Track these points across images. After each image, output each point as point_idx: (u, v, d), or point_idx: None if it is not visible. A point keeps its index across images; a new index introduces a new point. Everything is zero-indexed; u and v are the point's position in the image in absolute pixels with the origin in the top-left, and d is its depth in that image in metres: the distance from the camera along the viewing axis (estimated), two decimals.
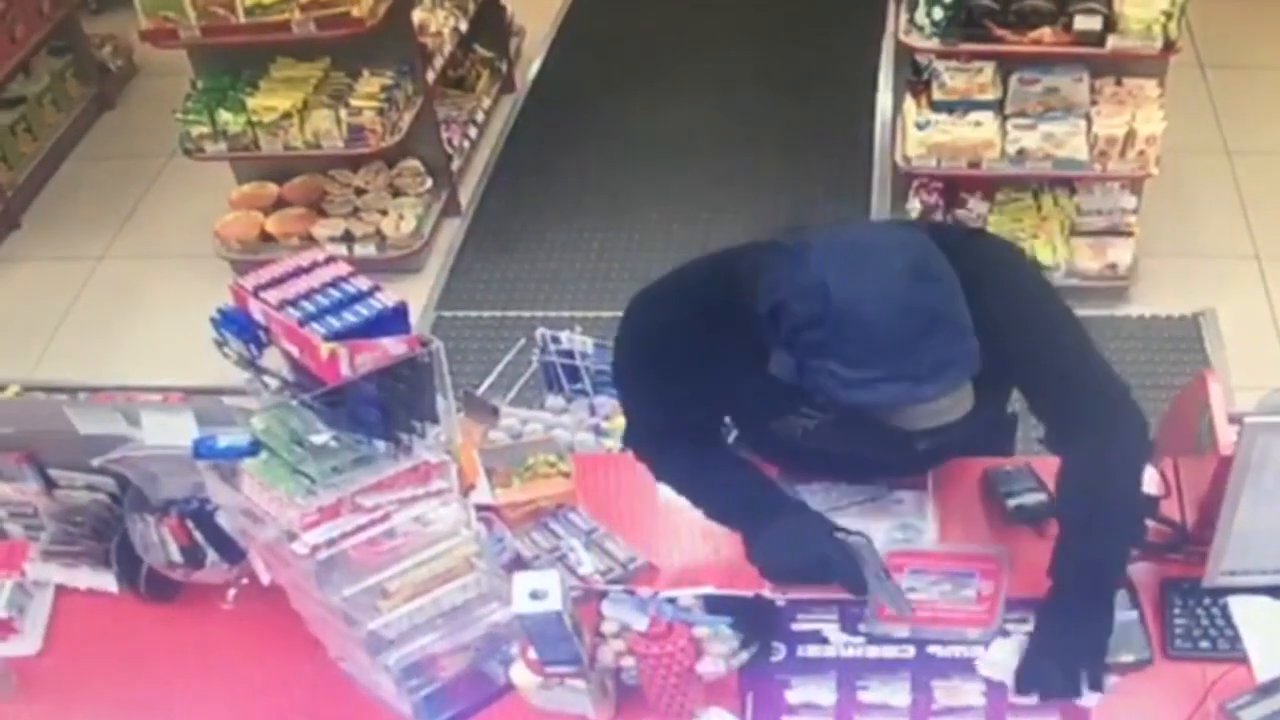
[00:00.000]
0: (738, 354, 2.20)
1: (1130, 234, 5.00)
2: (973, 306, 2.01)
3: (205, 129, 5.42)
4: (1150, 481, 2.49)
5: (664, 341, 2.35)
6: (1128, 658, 2.30)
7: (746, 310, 2.12)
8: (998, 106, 4.83)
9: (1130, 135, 4.68)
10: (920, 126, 4.83)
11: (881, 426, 2.15)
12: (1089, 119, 4.77)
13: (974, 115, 4.81)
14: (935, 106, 4.85)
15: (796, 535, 2.35)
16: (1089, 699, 2.23)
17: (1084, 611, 2.27)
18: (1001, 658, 2.30)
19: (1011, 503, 2.58)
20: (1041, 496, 2.57)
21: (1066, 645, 2.25)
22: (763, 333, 2.08)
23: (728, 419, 2.67)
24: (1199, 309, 4.99)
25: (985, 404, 2.12)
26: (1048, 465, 2.57)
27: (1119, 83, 4.82)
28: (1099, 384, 2.34)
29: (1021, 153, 4.77)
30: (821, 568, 2.31)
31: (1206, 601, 2.37)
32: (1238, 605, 2.35)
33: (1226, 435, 2.35)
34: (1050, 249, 4.97)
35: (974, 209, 5.13)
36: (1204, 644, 2.32)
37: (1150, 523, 2.48)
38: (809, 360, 2.02)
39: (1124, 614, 2.34)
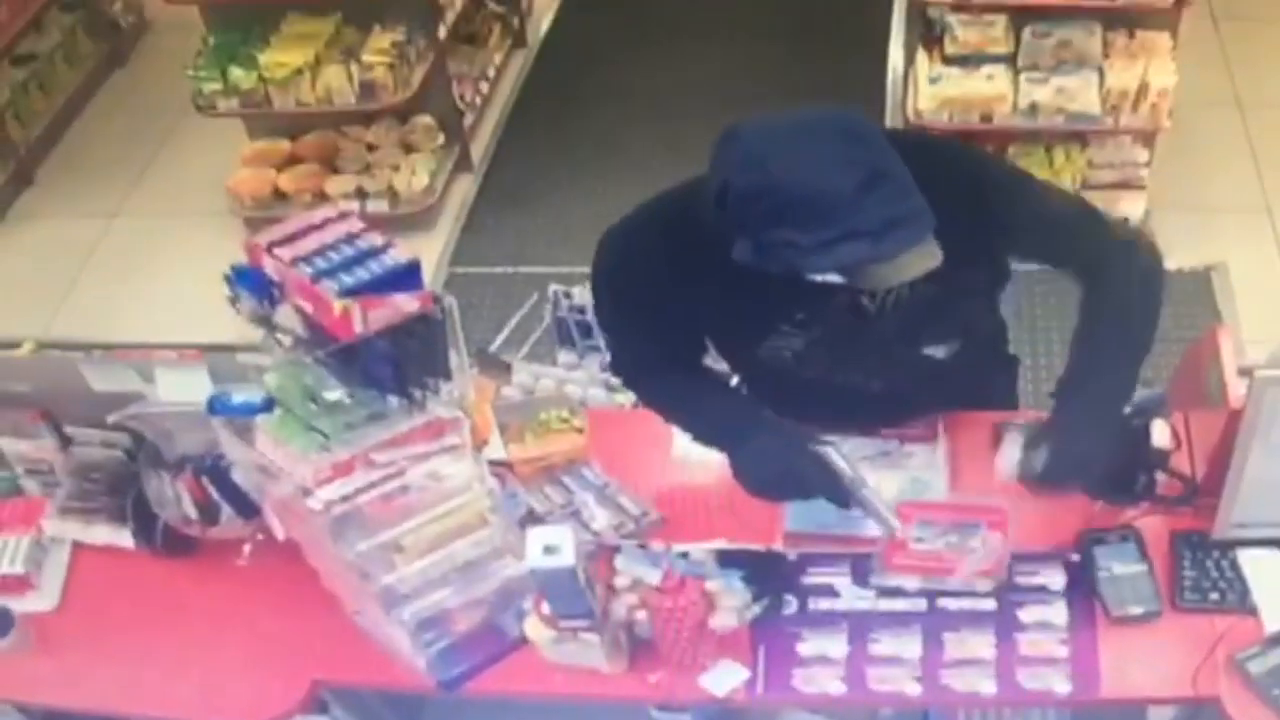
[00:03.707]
0: (708, 274, 2.24)
1: (1142, 188, 4.99)
2: (949, 202, 2.05)
3: (217, 85, 5.42)
4: (1161, 434, 2.49)
5: (634, 271, 2.39)
6: (1137, 609, 2.32)
7: (708, 226, 2.15)
8: (1010, 60, 4.81)
9: (1143, 88, 4.65)
10: (932, 81, 4.81)
11: (866, 331, 2.30)
12: (1101, 72, 4.74)
13: (986, 69, 4.80)
14: (947, 60, 4.83)
15: (771, 451, 2.38)
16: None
17: (1091, 420, 2.35)
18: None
19: None
20: None
21: (1075, 446, 2.33)
22: (724, 235, 2.11)
23: (727, 365, 2.69)
24: (1210, 262, 4.98)
25: (976, 300, 2.42)
26: None
27: (1131, 35, 4.80)
28: (1097, 220, 2.47)
29: (1033, 106, 4.74)
30: (798, 481, 2.35)
31: (1216, 554, 2.38)
32: (1247, 558, 2.36)
33: (1237, 388, 2.36)
34: None
35: None
36: (1213, 596, 2.33)
37: (1160, 475, 2.49)
38: (764, 236, 2.05)
39: (1133, 566, 2.37)
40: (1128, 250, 2.44)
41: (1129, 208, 4.93)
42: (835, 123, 2.06)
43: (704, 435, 2.54)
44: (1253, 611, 2.31)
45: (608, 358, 3.50)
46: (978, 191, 2.25)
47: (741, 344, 2.50)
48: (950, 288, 2.26)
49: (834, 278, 2.09)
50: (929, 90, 4.80)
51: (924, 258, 2.04)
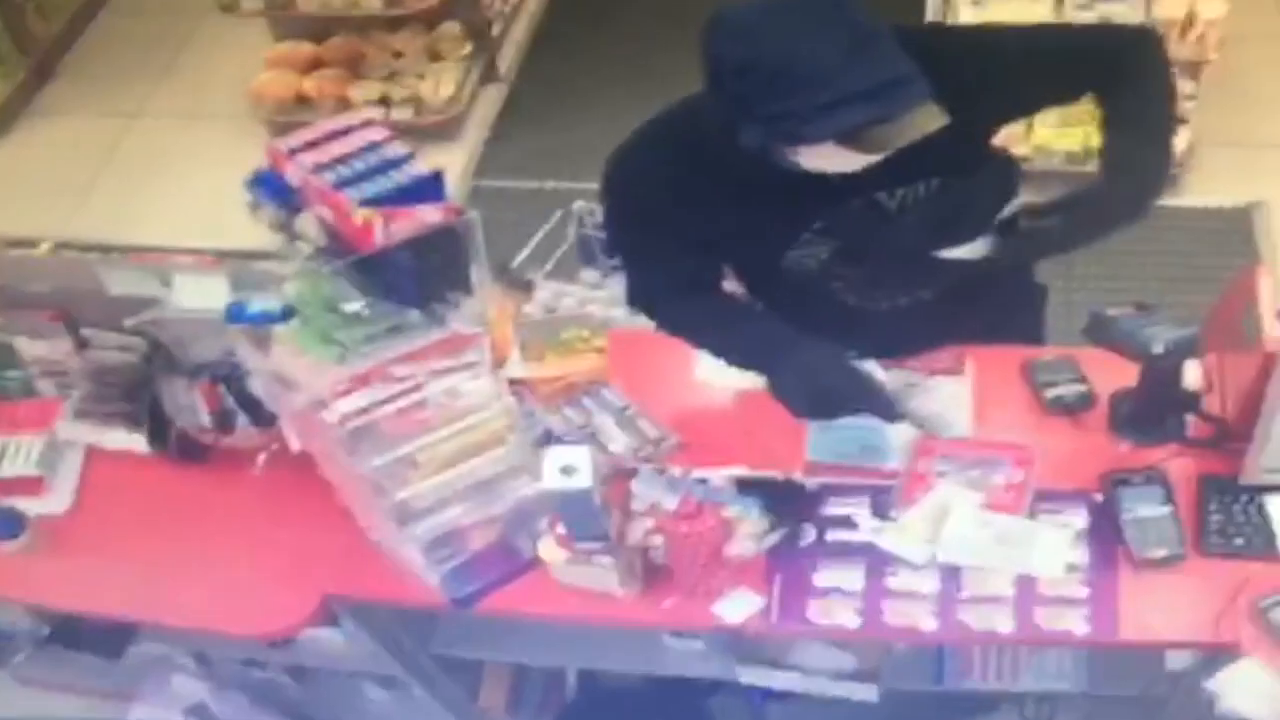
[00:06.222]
0: (722, 187, 2.24)
1: (1185, 121, 4.88)
2: (945, 80, 2.03)
3: None
4: (1192, 375, 2.45)
5: (647, 191, 2.36)
6: (1160, 553, 2.28)
7: (715, 137, 2.15)
8: None
9: (1190, 18, 4.54)
10: (975, 3, 4.71)
11: (887, 235, 2.31)
12: (1148, 0, 4.62)
13: None
14: None
15: (815, 367, 2.32)
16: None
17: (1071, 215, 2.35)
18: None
19: (1050, 393, 2.55)
20: (1081, 388, 2.54)
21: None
22: (730, 129, 2.11)
23: (746, 288, 2.65)
24: (1252, 200, 4.87)
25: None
26: (1088, 356, 2.54)
27: None
28: (1091, 35, 2.57)
29: None
30: (845, 396, 2.31)
31: (1244, 499, 2.34)
32: (1275, 504, 2.32)
33: (1273, 330, 2.30)
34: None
35: None
36: (1238, 541, 2.29)
37: (1190, 417, 2.45)
38: (762, 111, 2.05)
39: (1158, 509, 2.33)
40: (1135, 49, 2.42)
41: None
42: None
43: (738, 356, 2.48)
44: (1278, 558, 2.27)
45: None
46: (969, 57, 2.25)
47: (764, 258, 2.44)
48: (967, 181, 2.29)
49: (842, 163, 2.10)
50: (971, 13, 4.70)
51: (927, 118, 2.02)
